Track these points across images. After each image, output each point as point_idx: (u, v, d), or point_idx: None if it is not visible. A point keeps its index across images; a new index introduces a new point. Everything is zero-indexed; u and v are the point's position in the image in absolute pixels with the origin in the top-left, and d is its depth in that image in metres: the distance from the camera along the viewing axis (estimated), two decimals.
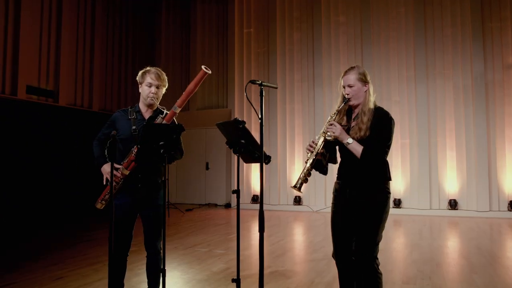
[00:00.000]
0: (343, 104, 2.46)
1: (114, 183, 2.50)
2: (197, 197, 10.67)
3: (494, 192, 8.02)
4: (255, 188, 9.83)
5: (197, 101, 10.99)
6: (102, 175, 2.79)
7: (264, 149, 8.82)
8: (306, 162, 2.43)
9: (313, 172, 2.47)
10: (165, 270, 2.43)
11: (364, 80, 2.44)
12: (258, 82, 2.28)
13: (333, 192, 2.55)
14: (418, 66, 8.69)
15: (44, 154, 7.90)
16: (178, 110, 2.74)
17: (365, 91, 2.44)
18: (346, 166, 2.47)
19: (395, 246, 5.40)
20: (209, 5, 11.09)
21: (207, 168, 10.63)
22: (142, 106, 2.84)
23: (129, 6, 10.82)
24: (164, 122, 2.66)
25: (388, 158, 2.42)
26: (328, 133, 2.39)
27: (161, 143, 2.42)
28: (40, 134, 7.86)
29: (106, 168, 2.73)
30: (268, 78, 9.88)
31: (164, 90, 2.86)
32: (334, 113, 2.46)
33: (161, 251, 2.63)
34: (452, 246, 5.52)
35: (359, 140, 2.33)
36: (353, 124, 2.45)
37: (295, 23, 9.86)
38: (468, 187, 8.19)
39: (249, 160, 2.47)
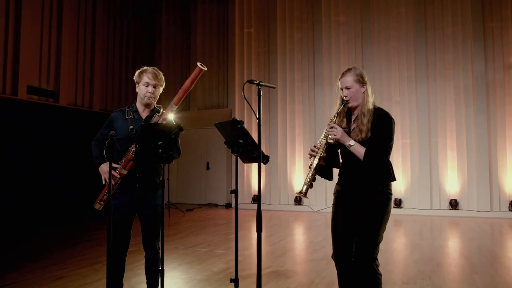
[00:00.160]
0: (342, 106, 2.43)
1: (112, 183, 2.50)
2: (198, 197, 10.67)
3: (495, 192, 8.00)
4: (256, 188, 9.82)
5: (198, 101, 10.99)
6: (101, 175, 2.79)
7: (265, 149, 8.85)
8: (309, 167, 2.40)
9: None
10: (163, 270, 2.42)
11: (361, 81, 2.42)
12: (255, 82, 2.28)
13: (334, 193, 2.53)
14: (419, 66, 8.68)
15: (44, 154, 7.91)
16: (174, 108, 2.74)
17: (363, 92, 2.43)
18: (348, 168, 2.45)
19: (395, 246, 5.39)
20: (209, 5, 11.09)
21: (207, 168, 10.63)
22: (139, 105, 2.84)
23: (129, 6, 10.83)
24: (160, 120, 2.66)
25: (389, 158, 2.41)
26: (330, 136, 2.37)
27: (159, 143, 2.41)
28: (40, 134, 7.87)
29: (104, 168, 2.74)
30: (269, 78, 9.88)
31: (161, 89, 2.86)
32: (334, 116, 2.44)
33: (160, 251, 2.62)
34: (453, 246, 5.51)
35: (361, 142, 2.32)
36: (353, 126, 2.43)
37: (296, 23, 9.85)
38: (469, 187, 8.17)
39: (248, 160, 2.47)
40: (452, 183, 8.34)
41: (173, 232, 6.53)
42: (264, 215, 8.35)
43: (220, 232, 6.52)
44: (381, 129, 2.33)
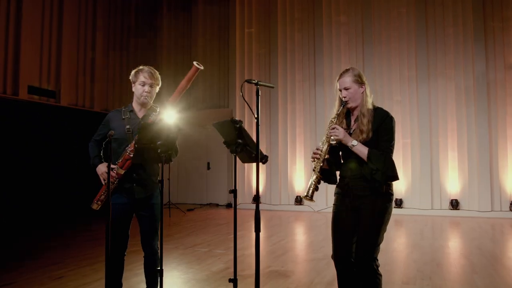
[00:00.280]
0: (341, 108, 2.42)
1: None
2: (198, 197, 10.67)
3: (496, 192, 7.99)
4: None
5: (198, 101, 10.98)
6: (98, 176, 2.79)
7: (266, 149, 8.82)
8: (314, 170, 2.38)
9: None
10: (162, 270, 2.42)
11: (360, 82, 2.41)
12: (254, 82, 2.27)
13: (335, 194, 2.52)
14: (420, 66, 8.66)
15: (45, 154, 7.91)
16: (170, 107, 2.74)
17: (362, 93, 2.42)
18: (349, 168, 2.43)
19: (396, 246, 5.39)
20: (210, 6, 11.09)
21: (208, 168, 10.63)
22: (135, 105, 2.84)
23: (130, 6, 10.83)
24: (157, 119, 2.66)
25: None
26: (332, 137, 2.35)
27: (158, 142, 2.41)
28: (41, 134, 7.88)
29: (101, 168, 2.74)
30: (269, 78, 9.87)
31: (157, 88, 2.85)
32: (334, 117, 2.42)
33: (159, 251, 2.62)
34: (453, 246, 5.50)
35: (362, 143, 2.31)
36: (353, 127, 2.43)
37: (296, 23, 9.85)
38: (470, 187, 8.16)
39: (246, 159, 2.46)
40: (453, 183, 8.32)
41: (174, 232, 6.54)
42: (264, 215, 8.42)
43: (220, 232, 6.52)
44: (382, 129, 2.32)
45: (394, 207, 8.42)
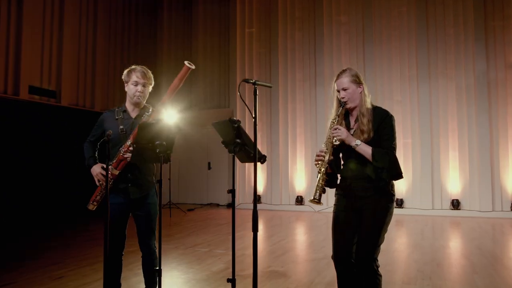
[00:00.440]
0: (340, 108, 2.41)
1: (104, 184, 2.50)
2: (199, 197, 10.67)
3: (497, 192, 7.97)
4: (258, 187, 9.80)
5: (199, 101, 10.98)
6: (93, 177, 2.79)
7: (266, 148, 8.82)
8: (319, 172, 2.35)
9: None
10: (160, 269, 2.42)
11: (358, 82, 2.40)
12: (251, 81, 2.26)
13: (336, 194, 2.51)
14: (420, 65, 8.65)
15: (45, 154, 7.91)
16: (164, 107, 2.74)
17: (360, 93, 2.41)
18: (350, 169, 2.42)
19: (396, 246, 5.38)
20: (211, 5, 11.09)
21: (209, 168, 10.62)
22: (128, 105, 2.83)
23: (131, 6, 10.84)
24: (150, 119, 2.66)
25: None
26: (335, 138, 2.33)
27: (157, 142, 2.41)
28: (41, 134, 7.88)
29: (95, 169, 2.72)
30: (270, 78, 9.87)
31: (150, 88, 2.85)
32: (335, 118, 2.41)
33: (156, 250, 2.62)
34: (454, 246, 5.49)
35: (364, 143, 2.30)
36: (354, 127, 2.42)
37: (297, 22, 9.84)
38: (471, 187, 8.14)
39: (245, 159, 2.46)
40: (453, 183, 8.30)
41: (174, 232, 6.53)
42: (265, 215, 8.42)
43: (221, 232, 6.52)
44: (383, 128, 2.32)
45: (395, 207, 8.44)
